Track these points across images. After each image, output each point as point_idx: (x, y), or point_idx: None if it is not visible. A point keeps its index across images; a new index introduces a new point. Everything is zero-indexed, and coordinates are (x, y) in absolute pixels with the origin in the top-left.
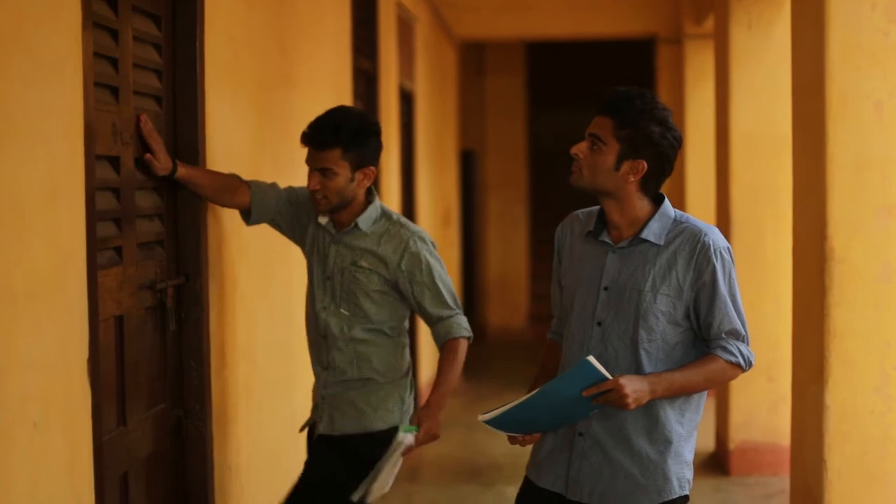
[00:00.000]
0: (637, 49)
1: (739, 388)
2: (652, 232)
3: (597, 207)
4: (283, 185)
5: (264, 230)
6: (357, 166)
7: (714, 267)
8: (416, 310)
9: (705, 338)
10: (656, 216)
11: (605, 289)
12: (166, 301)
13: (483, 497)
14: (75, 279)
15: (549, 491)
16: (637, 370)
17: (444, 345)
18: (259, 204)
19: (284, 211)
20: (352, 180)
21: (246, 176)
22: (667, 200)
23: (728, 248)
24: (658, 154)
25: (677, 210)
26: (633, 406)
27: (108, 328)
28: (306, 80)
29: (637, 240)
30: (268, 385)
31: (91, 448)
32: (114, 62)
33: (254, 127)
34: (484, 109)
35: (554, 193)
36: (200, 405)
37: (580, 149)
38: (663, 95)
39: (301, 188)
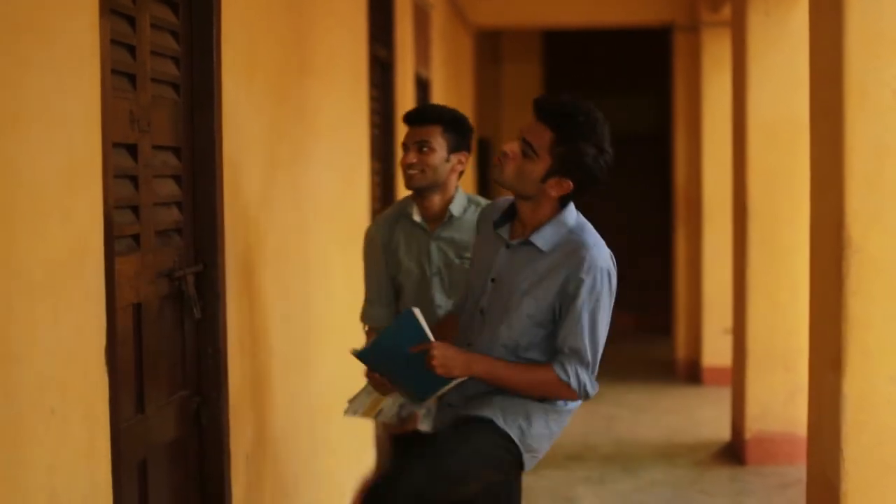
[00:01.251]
0: (654, 37)
1: (756, 378)
2: (541, 237)
3: (511, 199)
4: (296, 173)
5: (280, 217)
6: (453, 149)
7: (582, 282)
8: None
9: (557, 349)
10: (552, 223)
11: (493, 280)
12: (185, 289)
13: None
14: (93, 267)
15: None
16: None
17: None
18: (390, 311)
19: (387, 269)
20: (447, 160)
21: (260, 163)
22: (570, 208)
23: (608, 271)
24: (586, 176)
25: (582, 219)
26: (440, 371)
27: (125, 316)
28: (322, 67)
29: (527, 241)
30: (285, 373)
31: (109, 435)
32: (131, 49)
33: (270, 114)
34: (500, 98)
35: None
36: (217, 393)
37: (512, 149)
38: (680, 84)
39: (376, 226)
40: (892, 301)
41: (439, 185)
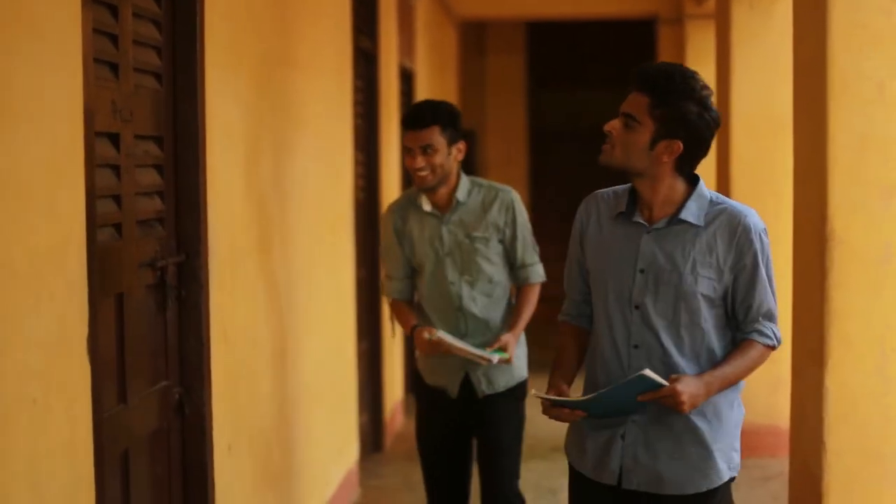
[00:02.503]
0: (638, 29)
1: None
2: (690, 213)
3: (623, 187)
4: (280, 164)
5: (263, 208)
6: (451, 142)
7: (755, 249)
8: (508, 255)
9: (739, 319)
10: (693, 196)
11: (641, 271)
12: (167, 279)
13: None
14: (75, 257)
15: (602, 484)
16: (680, 353)
17: (522, 288)
18: (410, 283)
19: (403, 251)
20: (449, 154)
21: (244, 154)
22: (702, 181)
23: (765, 230)
24: (694, 135)
25: (711, 191)
26: (688, 409)
27: (108, 306)
28: (306, 58)
29: (675, 220)
30: (268, 363)
31: (91, 425)
32: (113, 39)
33: (253, 105)
34: (484, 89)
35: (554, 173)
36: (200, 383)
37: (613, 126)
38: None
39: (390, 213)
40: (874, 293)
41: (446, 177)
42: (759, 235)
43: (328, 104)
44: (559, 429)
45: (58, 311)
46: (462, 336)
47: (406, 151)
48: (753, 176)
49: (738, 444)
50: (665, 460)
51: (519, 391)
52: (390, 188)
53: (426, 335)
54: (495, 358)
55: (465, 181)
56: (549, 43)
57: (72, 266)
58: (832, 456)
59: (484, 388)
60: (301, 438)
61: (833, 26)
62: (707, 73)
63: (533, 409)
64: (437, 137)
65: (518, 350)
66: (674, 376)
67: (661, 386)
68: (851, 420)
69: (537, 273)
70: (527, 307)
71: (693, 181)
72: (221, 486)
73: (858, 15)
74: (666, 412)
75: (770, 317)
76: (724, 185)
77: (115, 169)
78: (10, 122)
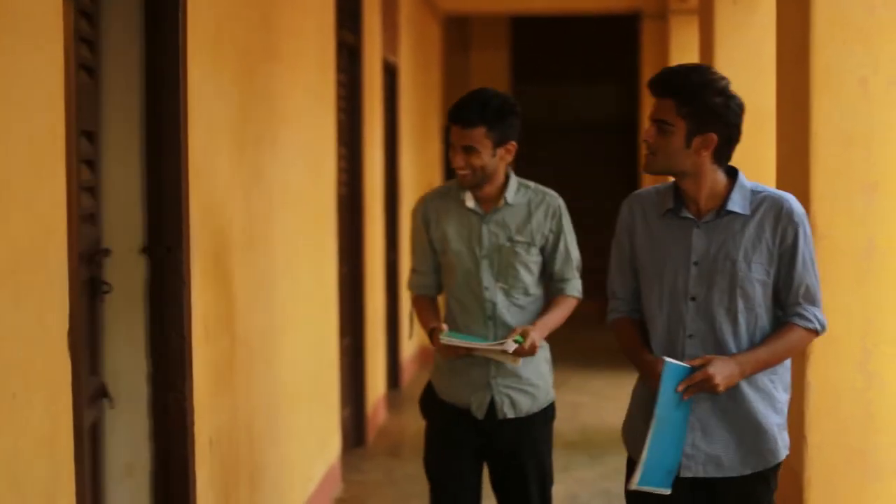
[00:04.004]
0: (622, 24)
1: None
2: (736, 203)
3: (663, 185)
4: (262, 158)
5: (245, 202)
6: (499, 143)
7: (798, 232)
8: (546, 265)
9: (782, 300)
10: (736, 188)
11: (695, 263)
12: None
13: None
14: (56, 252)
15: None
16: (734, 339)
17: (557, 297)
18: (436, 278)
19: (431, 245)
20: (493, 156)
21: (226, 148)
22: (741, 173)
23: (805, 214)
24: (724, 124)
25: (750, 181)
26: (723, 390)
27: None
28: (289, 53)
29: (722, 212)
30: (250, 359)
31: (72, 420)
32: (95, 30)
33: (236, 99)
34: (468, 84)
35: (537, 168)
36: (182, 378)
37: (649, 134)
38: (648, 71)
39: (422, 203)
40: (856, 288)
41: (489, 177)
42: (801, 218)
43: (311, 98)
44: (557, 427)
45: (38, 306)
46: None
47: (450, 146)
48: None
49: (785, 424)
50: (723, 443)
51: (546, 415)
52: (373, 183)
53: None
54: (511, 347)
55: (514, 182)
56: (533, 38)
57: (52, 261)
58: (813, 450)
59: (506, 410)
60: (283, 433)
61: (816, 22)
62: None
63: None
64: (481, 139)
65: (543, 367)
66: (706, 357)
67: (689, 370)
68: (833, 415)
69: (575, 287)
70: (557, 311)
71: (732, 174)
72: (202, 481)
73: (841, 10)
74: (726, 397)
75: (811, 299)
76: None
77: (90, 164)
78: None
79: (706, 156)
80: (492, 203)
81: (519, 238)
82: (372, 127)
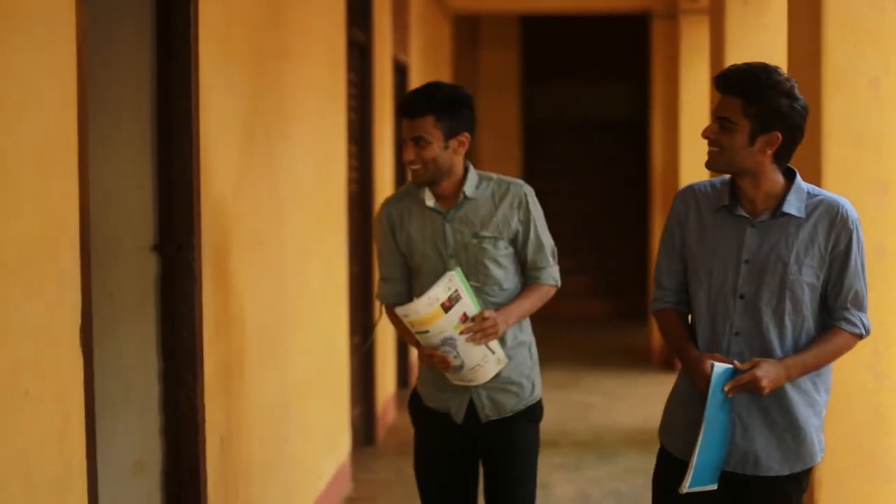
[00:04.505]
0: (632, 24)
1: None
2: (792, 205)
3: (719, 180)
4: (273, 157)
5: (256, 200)
6: (450, 134)
7: (851, 237)
8: (519, 256)
9: (830, 304)
10: (793, 190)
11: (746, 262)
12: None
13: None
14: (68, 248)
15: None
16: (780, 340)
17: (534, 285)
18: (408, 285)
19: (399, 250)
20: (446, 148)
21: (237, 147)
22: (798, 175)
23: (859, 220)
24: (789, 125)
25: (807, 183)
26: (769, 392)
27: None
28: (300, 51)
29: (778, 213)
30: (260, 357)
31: (83, 416)
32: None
33: (247, 98)
34: (478, 83)
35: (548, 167)
36: (193, 376)
37: (711, 131)
38: (658, 71)
39: (385, 207)
40: (870, 288)
41: (445, 173)
42: (855, 224)
43: (321, 97)
44: (550, 424)
45: (50, 302)
46: None
47: (402, 142)
48: None
49: (823, 427)
50: (761, 442)
51: (532, 413)
52: (384, 182)
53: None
54: (458, 332)
55: (473, 175)
56: (542, 37)
57: (64, 257)
58: (825, 452)
59: (488, 411)
60: (293, 432)
61: (827, 22)
62: (701, 68)
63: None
64: (430, 129)
65: (525, 365)
66: (754, 360)
67: (732, 371)
68: (844, 417)
69: (550, 275)
70: (526, 299)
71: (790, 175)
72: (213, 478)
73: (853, 11)
74: (768, 397)
75: (859, 304)
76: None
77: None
78: (2, 113)
79: (769, 155)
80: (452, 199)
81: (485, 233)
82: (382, 125)
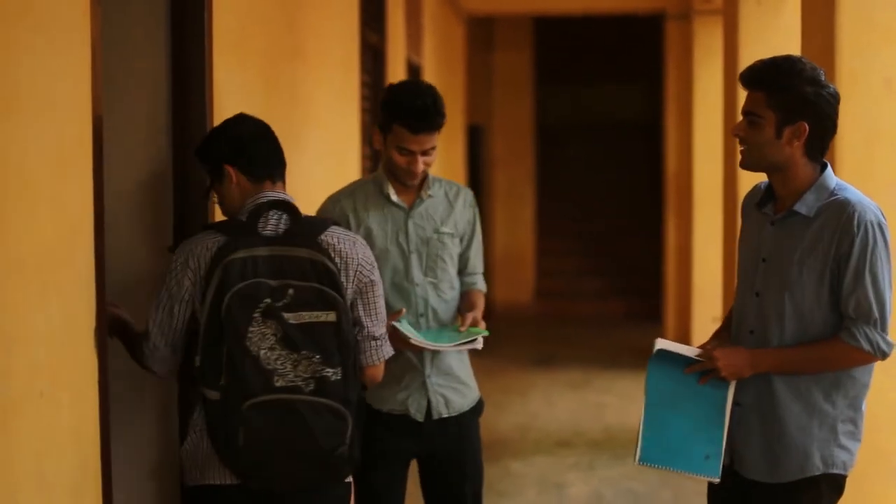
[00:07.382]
0: (645, 25)
1: None
2: (804, 204)
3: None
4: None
5: None
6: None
7: (857, 242)
8: (462, 257)
9: (841, 314)
10: (813, 188)
11: (764, 260)
12: None
13: (489, 472)
14: (83, 251)
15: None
16: (780, 342)
17: (476, 293)
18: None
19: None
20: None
21: None
22: (829, 170)
23: (877, 223)
24: (816, 113)
25: (840, 180)
26: (729, 378)
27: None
28: (314, 53)
29: (791, 212)
30: None
31: (98, 419)
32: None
33: (261, 100)
34: (491, 85)
35: (561, 169)
36: None
37: (740, 128)
38: (671, 72)
39: (335, 201)
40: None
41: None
42: (866, 228)
43: (335, 98)
44: (564, 424)
45: (65, 304)
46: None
47: (399, 150)
48: (760, 173)
49: (846, 442)
50: (752, 444)
51: (476, 412)
52: None
53: (393, 324)
54: (480, 344)
55: (429, 175)
56: (556, 38)
57: (79, 260)
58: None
59: (441, 409)
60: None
61: (841, 22)
62: (715, 69)
63: (540, 404)
64: (436, 141)
65: (469, 365)
66: (715, 344)
67: (682, 356)
68: None
69: (483, 282)
70: (481, 305)
71: (823, 169)
72: None
73: (866, 11)
74: (765, 400)
75: (864, 316)
76: (730, 182)
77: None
78: (18, 116)
79: (798, 147)
80: (412, 196)
81: (445, 229)
82: None
